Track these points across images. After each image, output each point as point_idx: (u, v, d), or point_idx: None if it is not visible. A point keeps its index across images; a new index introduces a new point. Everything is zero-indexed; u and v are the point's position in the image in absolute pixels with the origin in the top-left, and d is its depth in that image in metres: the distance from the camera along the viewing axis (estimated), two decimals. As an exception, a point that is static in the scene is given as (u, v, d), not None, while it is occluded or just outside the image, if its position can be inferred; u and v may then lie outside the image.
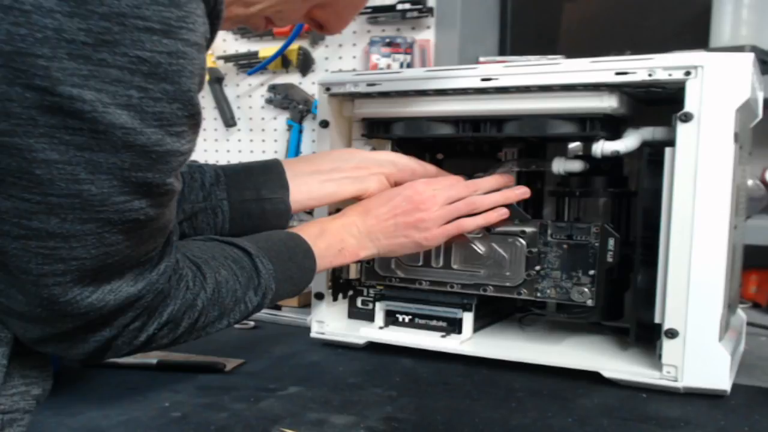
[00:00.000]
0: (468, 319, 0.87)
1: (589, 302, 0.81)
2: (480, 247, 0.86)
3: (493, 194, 0.84)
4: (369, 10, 1.45)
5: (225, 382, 0.77)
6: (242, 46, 1.64)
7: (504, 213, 0.83)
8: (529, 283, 0.84)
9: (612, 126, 0.80)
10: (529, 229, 0.84)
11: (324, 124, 0.91)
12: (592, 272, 0.81)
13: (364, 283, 0.94)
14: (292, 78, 1.60)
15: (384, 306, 0.91)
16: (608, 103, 0.76)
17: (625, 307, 0.88)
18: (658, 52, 0.74)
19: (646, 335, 0.78)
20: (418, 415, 0.67)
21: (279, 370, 0.82)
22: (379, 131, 0.91)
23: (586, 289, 0.81)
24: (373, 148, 0.92)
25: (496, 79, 0.80)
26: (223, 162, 1.67)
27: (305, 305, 1.11)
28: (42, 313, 0.49)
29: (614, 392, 0.74)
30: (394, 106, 0.88)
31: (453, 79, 0.82)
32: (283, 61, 1.56)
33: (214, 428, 0.63)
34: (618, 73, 0.74)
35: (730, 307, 0.83)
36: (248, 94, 1.66)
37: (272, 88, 1.61)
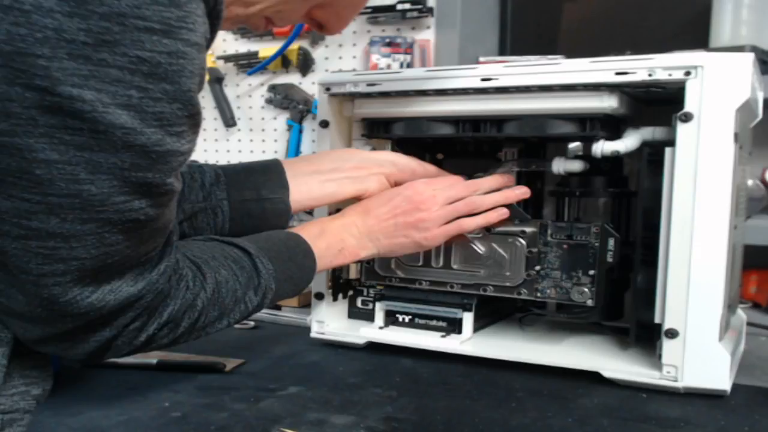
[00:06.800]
0: (468, 319, 0.87)
1: (589, 302, 0.81)
2: (480, 247, 0.86)
3: (493, 194, 0.84)
4: (369, 10, 1.44)
5: (225, 382, 0.77)
6: (242, 46, 1.64)
7: (504, 213, 0.83)
8: (529, 283, 0.84)
9: (612, 126, 0.80)
10: (529, 229, 0.84)
11: (324, 124, 0.91)
12: (592, 272, 0.81)
13: (364, 283, 0.94)
14: (292, 78, 1.59)
15: (384, 306, 0.91)
16: (608, 103, 0.76)
17: (625, 307, 0.88)
18: (658, 52, 0.74)
19: (646, 335, 0.78)
20: (418, 415, 0.67)
21: (279, 370, 0.82)
22: (379, 131, 0.91)
23: (586, 289, 0.81)
24: (373, 148, 0.92)
25: (496, 79, 0.80)
26: (223, 162, 1.67)
27: (305, 305, 1.11)
28: (42, 313, 0.49)
29: (614, 392, 0.74)
30: (394, 106, 0.88)
31: (453, 79, 0.82)
32: (283, 61, 1.56)
33: (214, 428, 0.63)
34: (618, 73, 0.74)
35: (730, 307, 0.83)
36: (248, 94, 1.66)
37: (272, 88, 1.61)
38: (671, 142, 0.73)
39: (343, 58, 1.54)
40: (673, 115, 0.73)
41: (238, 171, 0.80)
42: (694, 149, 0.71)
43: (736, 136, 0.71)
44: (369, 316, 0.93)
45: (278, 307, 1.13)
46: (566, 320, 0.91)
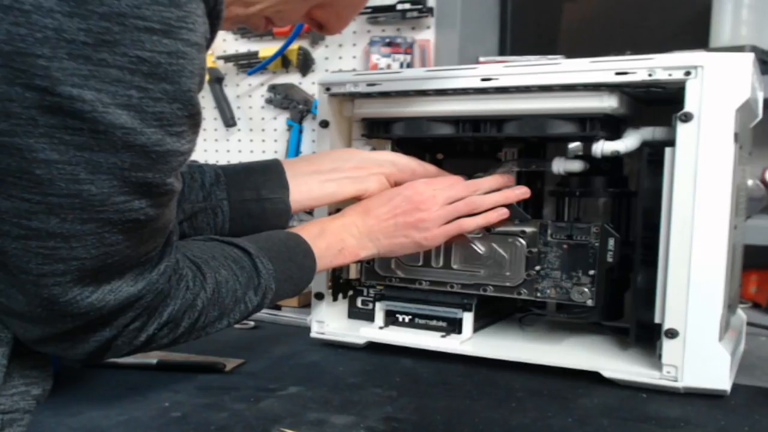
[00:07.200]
0: (468, 319, 0.87)
1: (589, 302, 0.81)
2: (480, 247, 0.86)
3: (493, 194, 0.84)
4: (369, 10, 1.44)
5: (225, 382, 0.77)
6: (242, 46, 1.64)
7: (504, 213, 0.83)
8: (529, 283, 0.84)
9: (612, 126, 0.80)
10: (529, 229, 0.84)
11: (324, 124, 0.91)
12: (592, 272, 0.81)
13: (364, 283, 0.94)
14: (292, 78, 1.59)
15: (384, 306, 0.91)
16: (608, 103, 0.76)
17: (625, 307, 0.88)
18: (658, 52, 0.74)
19: (646, 335, 0.78)
20: (418, 415, 0.67)
21: (279, 370, 0.82)
22: (379, 131, 0.91)
23: (586, 289, 0.81)
24: (373, 148, 0.92)
25: (496, 79, 0.80)
26: (223, 162, 1.67)
27: (305, 305, 1.11)
28: (42, 313, 0.49)
29: (614, 392, 0.74)
30: (394, 106, 0.88)
31: (453, 79, 0.82)
32: (283, 61, 1.56)
33: (214, 428, 0.63)
34: (618, 73, 0.74)
35: (730, 307, 0.83)
36: (248, 94, 1.66)
37: (272, 88, 1.61)
38: (671, 142, 0.73)
39: (343, 58, 1.54)
40: (673, 115, 0.73)
41: (238, 171, 0.80)
42: (694, 149, 0.71)
43: (736, 136, 0.71)
44: (369, 316, 0.93)
45: (278, 307, 1.13)
46: (566, 320, 0.91)
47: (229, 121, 1.65)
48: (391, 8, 1.43)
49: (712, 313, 0.71)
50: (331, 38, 1.53)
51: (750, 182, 1.17)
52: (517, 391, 0.74)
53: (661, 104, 0.82)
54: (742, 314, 0.95)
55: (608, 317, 0.86)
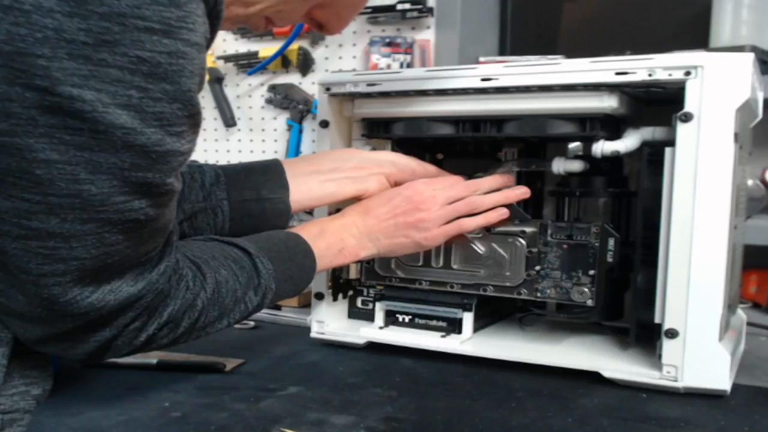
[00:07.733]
0: (468, 319, 0.87)
1: (589, 302, 0.81)
2: (480, 247, 0.86)
3: (493, 194, 0.84)
4: (369, 10, 1.44)
5: (225, 382, 0.77)
6: (242, 46, 1.64)
7: (504, 213, 0.83)
8: (529, 283, 0.84)
9: (612, 126, 0.80)
10: (529, 229, 0.84)
11: (324, 124, 0.91)
12: (592, 272, 0.81)
13: (364, 283, 0.94)
14: (292, 78, 1.59)
15: (384, 306, 0.91)
16: (608, 103, 0.76)
17: (625, 307, 0.88)
18: (658, 52, 0.74)
19: (646, 335, 0.78)
20: (418, 415, 0.67)
21: (279, 370, 0.82)
22: (379, 131, 0.91)
23: (586, 289, 0.81)
24: (373, 148, 0.92)
25: (496, 79, 0.80)
26: (223, 162, 1.67)
27: (305, 305, 1.11)
28: (42, 313, 0.49)
29: (614, 392, 0.74)
30: (394, 106, 0.88)
31: (453, 79, 0.82)
32: (283, 61, 1.56)
33: (214, 428, 0.63)
34: (618, 73, 0.74)
35: (730, 307, 0.83)
36: (248, 94, 1.66)
37: (272, 88, 1.61)
38: (671, 142, 0.73)
39: (343, 58, 1.54)
40: (673, 115, 0.73)
41: (238, 171, 0.80)
42: (694, 149, 0.71)
43: (736, 136, 0.71)
44: (369, 316, 0.93)
45: (278, 307, 1.13)
46: (566, 320, 0.91)
47: (229, 121, 1.65)
48: (391, 8, 1.43)
49: (712, 313, 0.71)
50: (331, 38, 1.54)
51: (750, 182, 1.17)
52: (517, 391, 0.74)
53: (661, 104, 0.82)
54: (742, 314, 0.95)
55: (608, 317, 0.86)
